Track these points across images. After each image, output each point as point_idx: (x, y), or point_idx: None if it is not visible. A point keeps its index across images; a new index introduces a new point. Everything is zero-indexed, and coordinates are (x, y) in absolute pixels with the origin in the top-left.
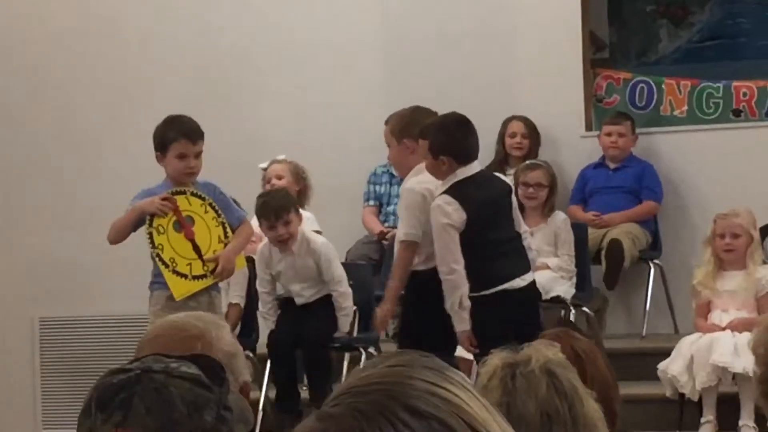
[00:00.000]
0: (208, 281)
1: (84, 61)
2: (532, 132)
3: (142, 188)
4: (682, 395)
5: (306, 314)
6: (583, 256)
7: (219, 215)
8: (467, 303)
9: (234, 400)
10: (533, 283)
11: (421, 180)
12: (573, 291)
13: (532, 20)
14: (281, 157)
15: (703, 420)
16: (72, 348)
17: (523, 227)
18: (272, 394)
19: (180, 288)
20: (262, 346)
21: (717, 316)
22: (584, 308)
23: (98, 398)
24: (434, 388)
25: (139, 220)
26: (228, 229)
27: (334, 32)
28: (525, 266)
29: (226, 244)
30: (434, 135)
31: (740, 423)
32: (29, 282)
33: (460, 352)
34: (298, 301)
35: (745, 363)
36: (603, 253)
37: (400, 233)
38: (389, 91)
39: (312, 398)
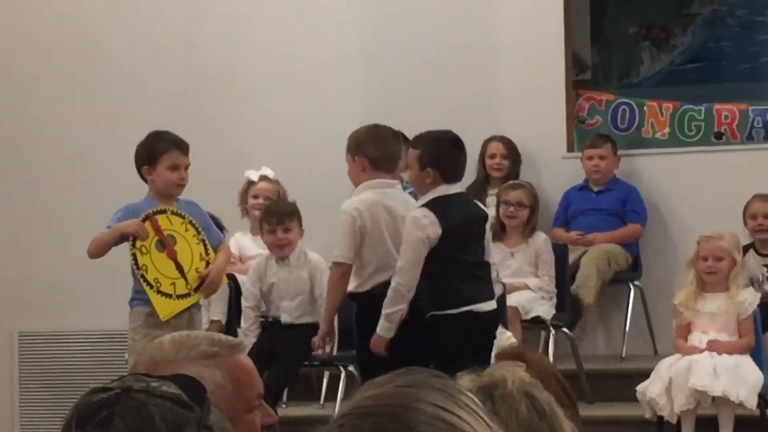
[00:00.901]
0: (192, 299)
1: (68, 76)
2: (511, 152)
3: (126, 204)
4: (660, 417)
5: (286, 333)
6: (564, 276)
7: (199, 232)
8: (401, 319)
9: (215, 420)
10: (495, 312)
11: (353, 201)
12: (553, 311)
13: (515, 40)
14: (269, 172)
15: None
16: (51, 362)
17: (492, 259)
18: None
19: (165, 308)
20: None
21: (697, 338)
22: (564, 329)
23: (78, 417)
24: (441, 412)
25: (120, 239)
26: (208, 247)
27: (317, 50)
28: (490, 293)
29: (207, 262)
30: (427, 146)
31: None
32: (9, 296)
33: None
34: (284, 318)
35: (724, 386)
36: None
37: (333, 254)
38: (372, 109)
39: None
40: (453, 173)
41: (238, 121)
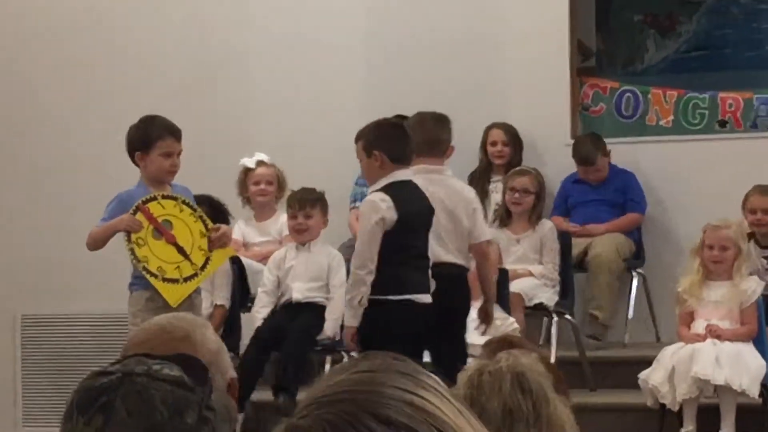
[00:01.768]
0: (200, 279)
1: (70, 62)
2: (513, 139)
3: (117, 193)
4: (662, 405)
5: (295, 312)
6: (567, 264)
7: (195, 210)
8: (365, 302)
9: (218, 399)
10: (431, 306)
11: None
12: (556, 298)
13: (520, 28)
14: (264, 157)
15: (683, 431)
16: (54, 345)
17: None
18: (256, 396)
19: (174, 294)
20: (244, 347)
21: (700, 326)
22: (567, 316)
23: (79, 402)
24: (406, 395)
25: (114, 234)
26: (207, 222)
27: (321, 36)
28: (428, 287)
29: (208, 238)
30: (368, 133)
31: None
32: (11, 279)
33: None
34: (295, 296)
35: (726, 374)
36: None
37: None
38: (375, 95)
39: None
40: (400, 153)
41: (241, 108)
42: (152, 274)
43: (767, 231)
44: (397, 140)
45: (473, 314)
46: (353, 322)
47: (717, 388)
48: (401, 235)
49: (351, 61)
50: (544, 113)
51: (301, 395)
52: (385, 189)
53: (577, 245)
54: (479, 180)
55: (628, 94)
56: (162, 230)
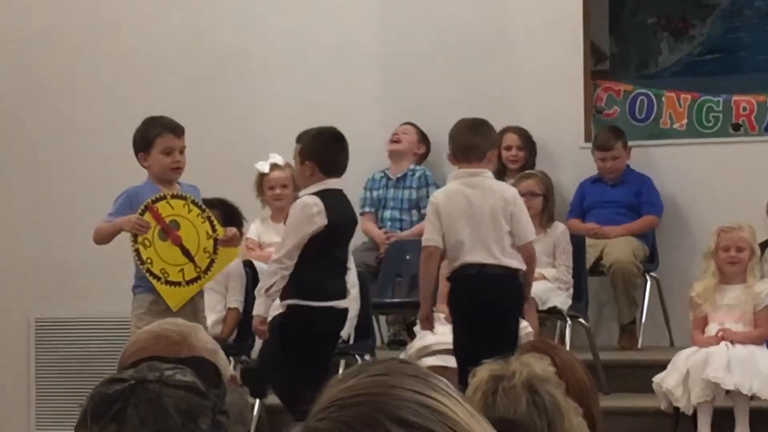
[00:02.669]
0: (203, 282)
1: (81, 62)
2: (527, 143)
3: (125, 189)
4: (676, 409)
5: None
6: (581, 267)
7: (203, 210)
8: (275, 294)
9: (232, 401)
10: (346, 311)
11: (439, 190)
12: (570, 302)
13: (533, 30)
14: (279, 159)
15: None
16: (67, 349)
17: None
18: (269, 400)
19: (176, 297)
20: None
21: (713, 330)
22: (580, 319)
23: (93, 409)
24: (420, 397)
25: (120, 233)
26: (215, 223)
27: (332, 37)
28: (345, 293)
29: (215, 239)
30: (307, 141)
31: None
32: (25, 283)
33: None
34: None
35: (736, 379)
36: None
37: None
38: (386, 97)
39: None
40: (332, 167)
41: (252, 107)
42: (155, 276)
43: None
44: (331, 153)
45: None
46: (261, 310)
47: (729, 392)
48: (327, 241)
49: (362, 63)
50: (558, 117)
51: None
52: (319, 194)
53: (592, 249)
54: None
55: (641, 97)
56: (168, 231)
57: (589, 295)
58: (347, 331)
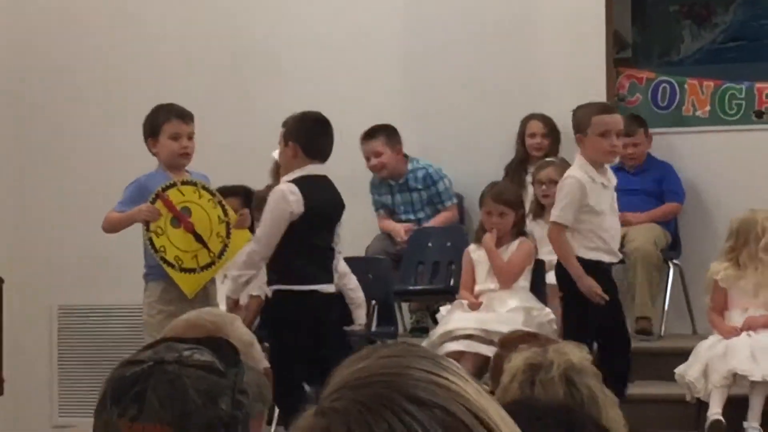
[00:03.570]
0: (217, 267)
1: (105, 53)
2: (551, 131)
3: (136, 177)
4: (699, 399)
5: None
6: None
7: (214, 195)
8: (245, 283)
9: (251, 379)
10: (335, 296)
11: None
12: None
13: (556, 18)
14: None
15: (709, 414)
16: (90, 336)
17: (338, 246)
18: None
19: (190, 284)
20: None
21: (736, 315)
22: None
23: (113, 392)
24: (432, 376)
25: (132, 224)
26: (227, 208)
27: (354, 25)
28: (331, 278)
29: (227, 223)
30: (290, 123)
31: (745, 425)
32: (48, 271)
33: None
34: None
35: (764, 370)
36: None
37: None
38: (410, 86)
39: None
40: (315, 149)
41: (278, 98)
42: (169, 264)
43: None
44: (315, 136)
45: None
46: (235, 294)
47: (752, 382)
48: (306, 228)
49: (385, 53)
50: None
51: None
52: (296, 181)
53: None
54: (516, 171)
55: (664, 84)
56: (181, 218)
57: None
58: (361, 319)
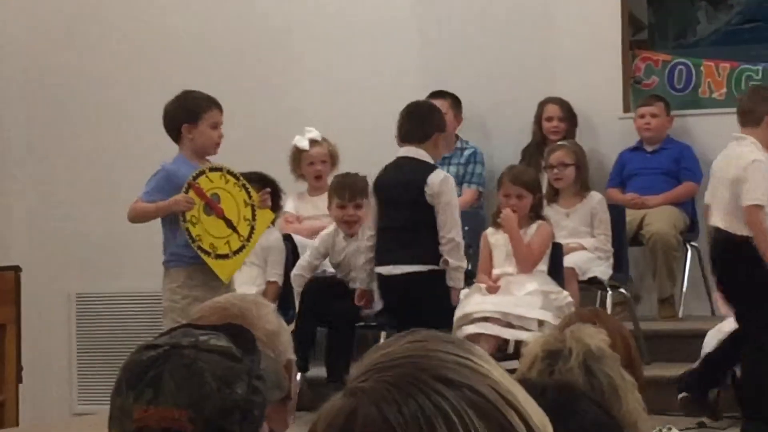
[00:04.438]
0: (248, 249)
1: (121, 39)
2: (568, 114)
3: (162, 164)
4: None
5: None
6: (621, 237)
7: (238, 179)
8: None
9: (267, 367)
10: (414, 274)
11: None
12: (610, 272)
13: (572, 1)
14: (315, 134)
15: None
16: (108, 323)
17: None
18: (310, 373)
19: (226, 270)
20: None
21: None
22: (621, 290)
23: (128, 376)
24: (460, 359)
25: (166, 215)
26: (250, 189)
27: (370, 11)
28: (400, 257)
29: (252, 206)
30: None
31: None
32: (66, 258)
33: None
34: (352, 285)
35: None
36: None
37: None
38: (426, 70)
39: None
40: (400, 135)
41: (292, 81)
42: (206, 252)
43: None
44: (400, 121)
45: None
46: (459, 284)
47: None
48: (380, 209)
49: (402, 36)
50: (597, 87)
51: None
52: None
53: (632, 220)
54: (533, 154)
55: (680, 66)
56: (213, 206)
57: (629, 265)
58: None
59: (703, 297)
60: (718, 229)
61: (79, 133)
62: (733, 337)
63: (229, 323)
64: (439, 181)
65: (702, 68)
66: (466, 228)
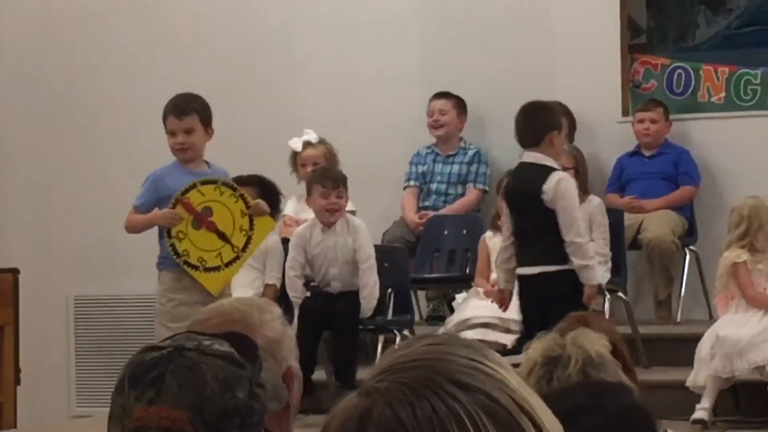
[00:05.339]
0: (242, 261)
1: (121, 37)
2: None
3: (152, 171)
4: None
5: (337, 297)
6: (620, 241)
7: (235, 189)
8: None
9: (268, 378)
10: (540, 275)
11: None
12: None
13: (571, 5)
14: (312, 137)
15: (699, 407)
16: (106, 326)
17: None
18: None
19: (215, 283)
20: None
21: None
22: (620, 293)
23: (131, 376)
24: (476, 363)
25: (153, 226)
26: (248, 200)
27: (373, 11)
28: (530, 260)
29: (250, 216)
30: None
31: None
32: (64, 261)
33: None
34: (334, 287)
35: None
36: None
37: None
38: (427, 71)
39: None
40: (519, 140)
41: (293, 84)
42: (193, 267)
43: None
44: (516, 125)
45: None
46: (594, 281)
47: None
48: (512, 212)
49: (403, 37)
50: (596, 91)
51: (361, 373)
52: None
53: (630, 224)
54: None
55: (679, 70)
56: (201, 220)
57: (627, 269)
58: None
59: (701, 301)
60: None
61: (78, 135)
62: None
63: (233, 332)
64: (554, 186)
65: (701, 72)
66: (464, 232)
